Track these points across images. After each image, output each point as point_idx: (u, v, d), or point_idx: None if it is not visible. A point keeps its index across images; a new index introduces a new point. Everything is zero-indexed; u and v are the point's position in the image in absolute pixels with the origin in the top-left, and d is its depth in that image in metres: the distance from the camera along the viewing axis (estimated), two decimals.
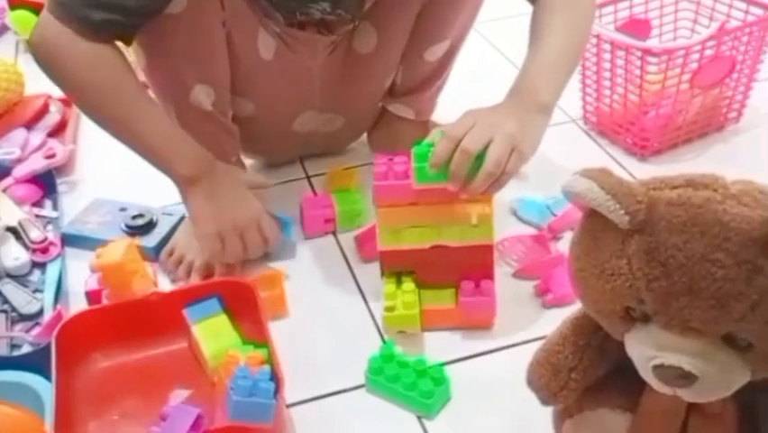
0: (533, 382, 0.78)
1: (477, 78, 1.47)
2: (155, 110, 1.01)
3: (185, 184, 1.02)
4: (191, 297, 0.97)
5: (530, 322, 1.01)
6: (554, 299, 1.02)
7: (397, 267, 0.98)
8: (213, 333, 0.94)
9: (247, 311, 0.95)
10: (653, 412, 0.73)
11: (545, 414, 0.81)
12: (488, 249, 0.98)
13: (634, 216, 0.62)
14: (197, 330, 0.94)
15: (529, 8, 1.04)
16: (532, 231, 1.15)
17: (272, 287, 1.02)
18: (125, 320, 0.96)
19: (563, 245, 1.12)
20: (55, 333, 0.91)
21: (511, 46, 1.61)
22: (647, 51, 1.18)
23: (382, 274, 1.00)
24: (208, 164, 1.03)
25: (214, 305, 0.97)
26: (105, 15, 0.91)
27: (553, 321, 0.96)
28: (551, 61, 0.98)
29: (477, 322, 1.00)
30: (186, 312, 0.96)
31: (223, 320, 0.96)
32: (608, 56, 1.26)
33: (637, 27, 1.32)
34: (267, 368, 0.84)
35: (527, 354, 0.80)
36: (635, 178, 1.19)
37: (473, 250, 0.97)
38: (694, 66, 1.20)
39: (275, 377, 0.84)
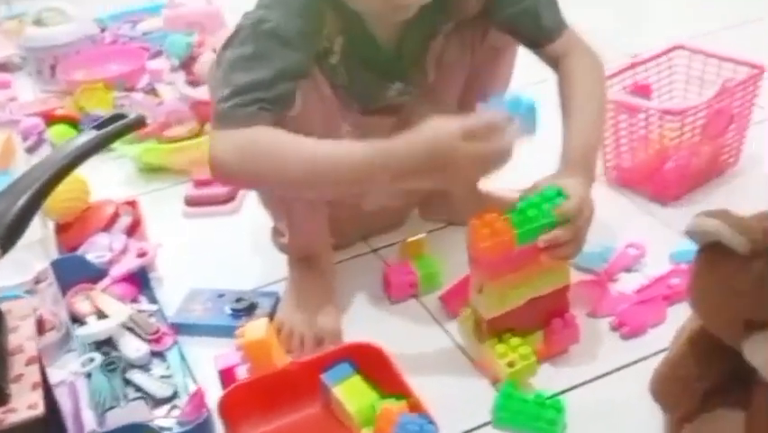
0: (661, 395, 0.93)
1: None
2: (328, 143, 1.07)
3: (391, 168, 1.01)
4: (325, 363, 1.09)
5: (612, 352, 1.16)
6: (630, 331, 1.18)
7: (502, 328, 1.12)
8: (353, 392, 1.06)
9: (378, 368, 1.08)
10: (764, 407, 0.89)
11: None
12: (566, 288, 1.15)
13: (755, 244, 0.78)
14: (338, 391, 1.06)
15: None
16: (589, 276, 1.31)
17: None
18: (270, 391, 1.07)
19: (620, 286, 1.29)
20: (218, 407, 1.02)
21: None
22: (667, 112, 1.37)
23: (482, 340, 1.14)
24: (397, 144, 1.01)
25: (346, 368, 1.09)
26: (257, 106, 1.06)
27: (633, 350, 1.13)
28: (589, 132, 1.18)
29: (559, 352, 1.16)
30: (323, 377, 1.08)
31: (358, 380, 1.08)
32: (623, 117, 1.45)
33: (641, 91, 1.53)
34: (424, 414, 0.97)
35: (619, 380, 1.06)
36: (663, 222, 1.40)
37: (557, 293, 1.14)
38: (701, 122, 1.40)
39: (431, 421, 0.97)
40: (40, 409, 0.79)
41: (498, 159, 1.01)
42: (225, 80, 1.09)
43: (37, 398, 0.80)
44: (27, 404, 0.79)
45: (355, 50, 1.19)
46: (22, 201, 0.86)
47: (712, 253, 0.83)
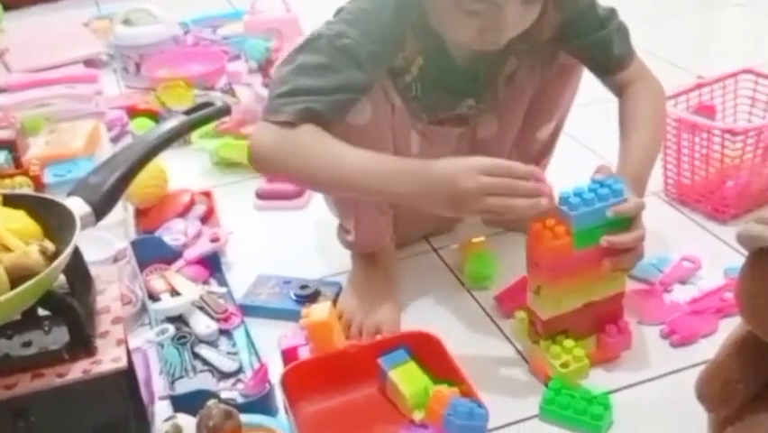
0: (704, 395, 0.96)
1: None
2: (361, 153, 1.10)
3: (416, 197, 1.08)
4: (383, 348, 1.15)
5: (662, 358, 1.20)
6: (680, 339, 1.21)
7: (556, 330, 1.17)
8: (407, 377, 1.11)
9: (432, 356, 1.13)
10: None
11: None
12: (621, 295, 1.19)
13: None
14: (394, 375, 1.12)
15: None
16: (644, 286, 1.34)
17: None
18: (329, 370, 1.13)
19: (674, 296, 1.32)
20: (280, 382, 1.09)
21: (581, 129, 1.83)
22: (728, 131, 1.40)
23: (535, 341, 1.18)
24: (424, 173, 1.07)
25: (402, 354, 1.14)
26: (304, 105, 1.11)
27: (682, 357, 1.15)
28: (645, 152, 1.23)
29: (612, 358, 1.19)
30: (380, 361, 1.13)
31: (412, 366, 1.13)
32: (686, 135, 1.48)
33: (706, 111, 1.55)
34: (475, 400, 1.02)
35: (668, 385, 1.07)
36: (719, 238, 1.42)
37: (612, 299, 1.18)
38: (762, 143, 1.43)
39: (481, 405, 1.02)
40: (123, 363, 0.87)
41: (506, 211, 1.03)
42: (287, 79, 1.15)
43: (121, 352, 0.88)
44: (111, 357, 0.87)
45: (432, 70, 1.25)
46: (118, 173, 0.94)
47: (760, 258, 0.87)
